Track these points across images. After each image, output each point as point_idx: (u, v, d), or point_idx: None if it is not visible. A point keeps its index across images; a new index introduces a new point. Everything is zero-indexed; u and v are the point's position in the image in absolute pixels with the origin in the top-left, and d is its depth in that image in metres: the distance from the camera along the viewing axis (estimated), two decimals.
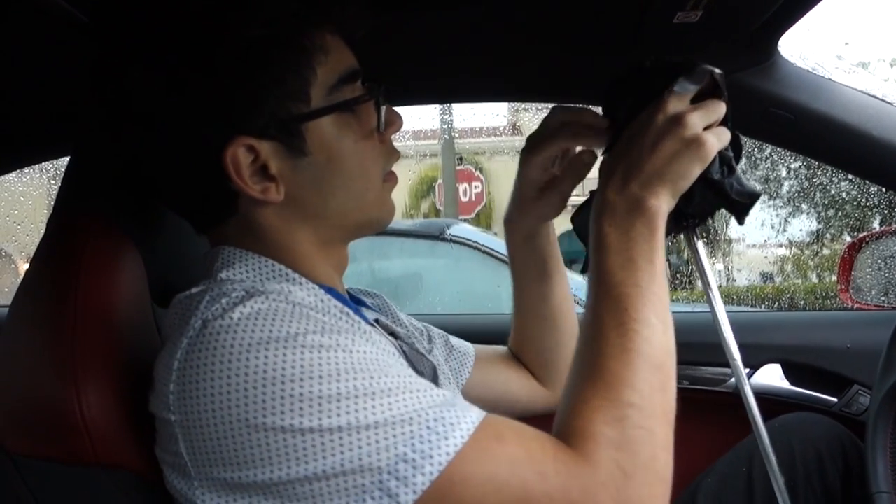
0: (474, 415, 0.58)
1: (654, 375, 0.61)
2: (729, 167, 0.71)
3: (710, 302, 0.74)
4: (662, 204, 0.67)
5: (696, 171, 0.67)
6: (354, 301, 0.83)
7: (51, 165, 1.39)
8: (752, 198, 0.72)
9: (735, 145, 0.73)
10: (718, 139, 0.68)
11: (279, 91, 0.65)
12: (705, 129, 0.68)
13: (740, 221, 0.72)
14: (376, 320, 0.78)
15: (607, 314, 0.63)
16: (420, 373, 0.75)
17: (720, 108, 0.70)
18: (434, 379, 0.79)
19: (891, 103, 1.07)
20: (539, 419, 0.68)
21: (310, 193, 0.69)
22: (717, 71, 0.69)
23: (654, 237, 0.66)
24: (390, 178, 0.76)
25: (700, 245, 0.75)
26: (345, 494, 0.54)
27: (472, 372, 0.98)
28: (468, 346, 1.01)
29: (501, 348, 1.05)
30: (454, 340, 1.00)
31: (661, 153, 0.66)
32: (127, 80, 0.66)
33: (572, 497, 0.55)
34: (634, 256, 0.65)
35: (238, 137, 0.65)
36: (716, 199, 0.71)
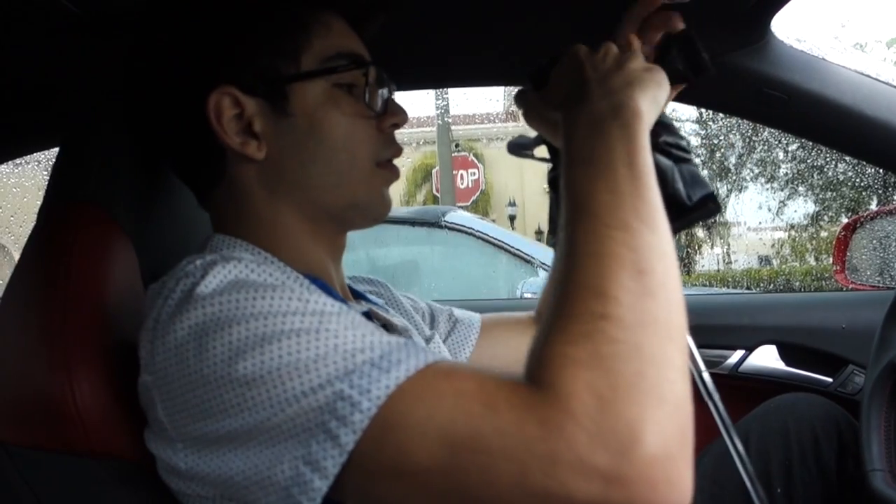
0: (429, 356, 0.52)
1: (635, 281, 0.49)
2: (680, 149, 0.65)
3: None
4: (641, 106, 0.59)
5: (667, 90, 0.64)
6: (353, 294, 0.83)
7: (43, 156, 1.39)
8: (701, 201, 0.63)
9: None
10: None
11: (269, 49, 0.69)
12: None
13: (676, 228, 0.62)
14: (366, 313, 0.76)
15: (577, 227, 0.54)
16: None
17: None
18: None
19: (885, 82, 1.06)
20: None
21: (289, 157, 0.70)
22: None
23: (633, 140, 0.56)
24: (387, 167, 0.75)
25: None
26: (294, 439, 0.50)
27: (478, 342, 0.97)
28: (473, 317, 1.00)
29: (521, 315, 1.04)
30: (458, 313, 1.00)
31: (630, 66, 0.63)
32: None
33: (528, 431, 0.45)
34: (610, 162, 0.55)
35: (222, 85, 0.68)
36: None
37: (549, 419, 0.44)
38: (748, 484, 0.73)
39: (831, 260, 1.74)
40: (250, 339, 0.52)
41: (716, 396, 0.69)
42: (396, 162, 0.77)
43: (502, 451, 0.45)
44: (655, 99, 0.62)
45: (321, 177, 0.71)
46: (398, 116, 0.75)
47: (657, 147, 0.63)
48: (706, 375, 0.70)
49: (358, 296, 0.84)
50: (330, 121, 0.70)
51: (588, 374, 0.45)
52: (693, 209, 0.62)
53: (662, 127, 0.65)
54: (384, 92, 0.75)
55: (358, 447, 0.48)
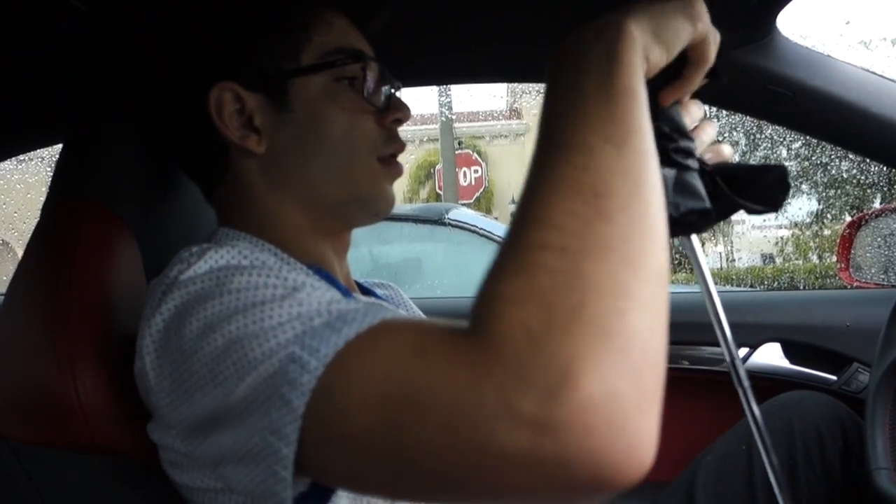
0: (388, 314, 0.49)
1: (587, 205, 0.43)
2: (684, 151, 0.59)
3: (709, 303, 0.67)
4: (631, 26, 0.50)
5: (684, 33, 0.54)
6: (363, 291, 0.83)
7: (46, 153, 1.39)
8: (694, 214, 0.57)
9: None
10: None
11: (269, 47, 0.71)
12: None
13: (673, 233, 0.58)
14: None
15: (537, 157, 0.47)
16: None
17: None
18: None
19: (890, 79, 1.06)
20: None
21: (289, 151, 0.71)
22: None
23: (612, 57, 0.48)
24: (389, 163, 0.75)
25: (696, 242, 0.64)
26: (260, 409, 0.48)
27: None
28: None
29: None
30: None
31: (659, 5, 0.53)
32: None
33: (457, 379, 0.40)
34: (580, 81, 0.48)
35: (223, 81, 0.69)
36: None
37: (476, 364, 0.40)
38: (771, 477, 0.71)
39: (835, 258, 1.73)
40: (222, 313, 0.52)
41: (746, 384, 0.67)
42: (402, 157, 0.77)
43: (432, 402, 0.41)
44: (658, 24, 0.52)
45: (321, 170, 0.71)
46: (401, 112, 0.75)
47: (666, 153, 0.60)
48: (738, 363, 0.67)
49: (366, 291, 0.84)
50: (329, 115, 0.71)
51: (520, 312, 0.40)
52: (677, 222, 0.60)
53: (679, 132, 0.62)
54: (387, 89, 0.75)
55: (309, 410, 0.46)
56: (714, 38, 0.57)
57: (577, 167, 0.44)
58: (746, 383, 0.67)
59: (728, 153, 0.62)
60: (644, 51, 0.50)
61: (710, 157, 0.63)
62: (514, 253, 0.43)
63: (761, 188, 0.60)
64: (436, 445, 0.41)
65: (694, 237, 0.64)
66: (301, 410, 0.46)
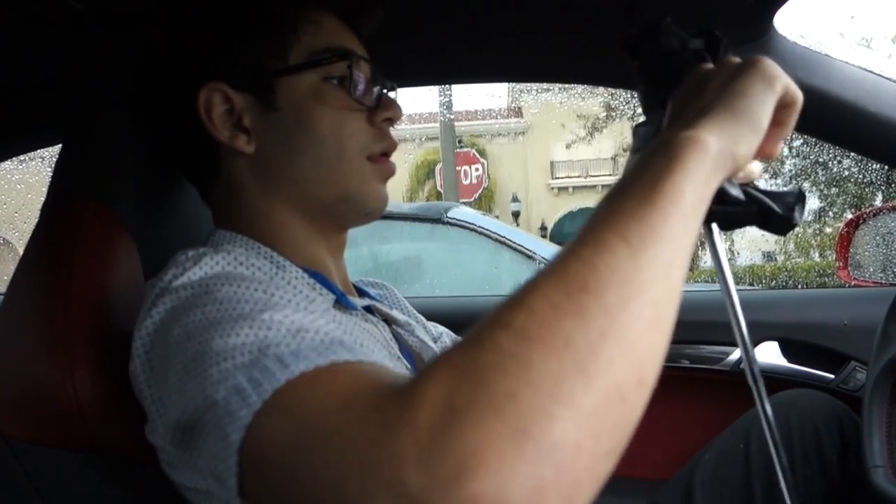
0: (342, 353, 0.47)
1: (569, 298, 0.39)
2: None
3: (727, 297, 0.67)
4: (708, 140, 0.49)
5: (768, 104, 0.53)
6: (357, 292, 0.83)
7: (47, 153, 1.40)
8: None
9: None
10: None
11: (257, 47, 0.71)
12: None
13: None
14: (367, 307, 0.77)
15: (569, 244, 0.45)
16: (411, 359, 0.75)
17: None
18: None
19: (888, 78, 1.06)
20: None
21: (278, 150, 0.71)
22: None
23: (670, 165, 0.47)
24: (380, 161, 0.75)
25: (718, 240, 0.64)
26: (210, 434, 0.48)
27: None
28: None
29: None
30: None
31: (731, 89, 0.53)
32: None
33: (366, 435, 0.38)
34: (629, 186, 0.47)
35: (212, 81, 0.70)
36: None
37: (389, 425, 0.37)
38: (780, 476, 0.71)
39: (835, 256, 1.73)
40: (201, 323, 0.52)
41: (760, 383, 0.66)
42: (401, 157, 0.77)
43: (335, 452, 0.39)
44: (737, 119, 0.51)
45: (309, 169, 0.71)
46: (391, 111, 0.75)
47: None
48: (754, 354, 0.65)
49: (360, 292, 0.84)
50: (316, 114, 0.71)
51: (452, 383, 0.37)
52: None
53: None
54: (379, 88, 0.75)
55: (244, 444, 0.45)
56: (798, 98, 0.56)
57: (580, 259, 0.42)
58: (760, 381, 0.66)
59: (756, 173, 0.59)
60: (723, 156, 0.49)
61: (741, 176, 0.61)
62: (481, 325, 0.40)
63: (773, 217, 0.60)
64: (324, 502, 0.39)
65: (716, 230, 0.62)
66: (237, 445, 0.45)
